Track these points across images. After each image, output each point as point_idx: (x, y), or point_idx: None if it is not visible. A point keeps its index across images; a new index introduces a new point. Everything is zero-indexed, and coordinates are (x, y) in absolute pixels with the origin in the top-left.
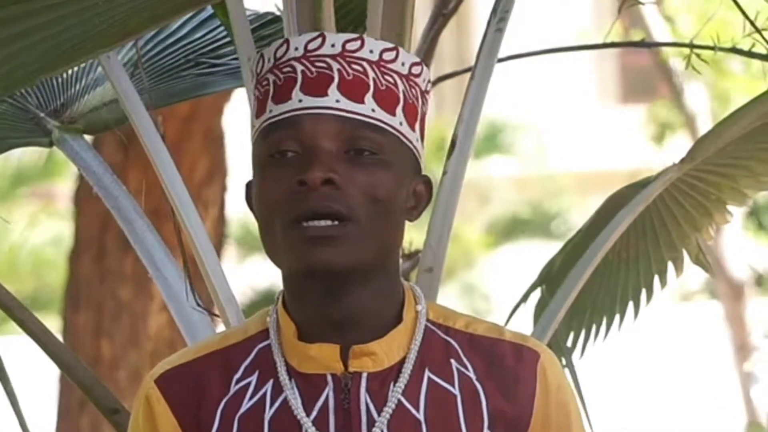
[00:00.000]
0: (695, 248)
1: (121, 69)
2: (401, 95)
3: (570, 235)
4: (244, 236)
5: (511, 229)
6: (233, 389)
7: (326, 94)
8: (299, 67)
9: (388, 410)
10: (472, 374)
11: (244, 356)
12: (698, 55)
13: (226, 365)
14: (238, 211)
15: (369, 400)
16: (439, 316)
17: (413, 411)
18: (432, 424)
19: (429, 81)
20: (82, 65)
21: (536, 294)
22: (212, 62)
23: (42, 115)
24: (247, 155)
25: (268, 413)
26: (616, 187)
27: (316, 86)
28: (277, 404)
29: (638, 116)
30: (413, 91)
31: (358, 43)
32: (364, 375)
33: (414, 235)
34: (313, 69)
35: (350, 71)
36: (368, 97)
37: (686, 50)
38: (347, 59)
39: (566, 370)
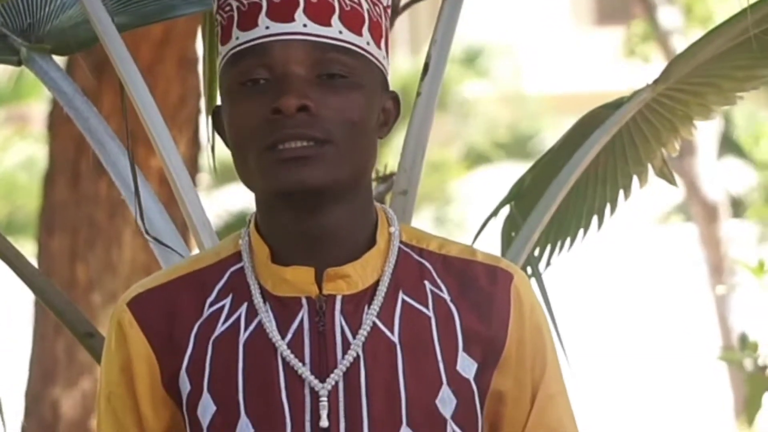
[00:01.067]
0: (660, 162)
1: None
2: (366, 14)
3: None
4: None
5: (486, 152)
6: (207, 312)
7: (293, 19)
8: None
9: (363, 333)
10: (446, 295)
11: (217, 279)
12: None
13: (199, 288)
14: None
15: (344, 323)
16: (412, 237)
17: (388, 333)
18: (407, 346)
19: None
20: None
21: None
22: None
23: (9, 34)
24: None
25: (243, 336)
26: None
27: (283, 12)
28: (251, 327)
29: (613, 38)
30: (377, 9)
31: None
32: (339, 298)
33: (389, 158)
34: None
35: None
36: (335, 19)
37: None
38: None
39: (536, 286)
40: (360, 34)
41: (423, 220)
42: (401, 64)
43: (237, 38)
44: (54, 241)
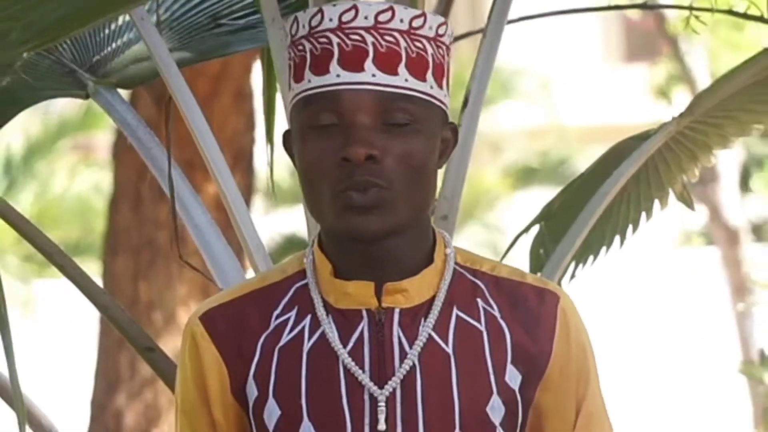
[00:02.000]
0: (680, 187)
1: (153, 29)
2: (430, 59)
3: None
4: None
5: (523, 176)
6: (273, 324)
7: (363, 69)
8: (335, 40)
9: (419, 343)
10: (497, 313)
11: (283, 294)
12: (697, 17)
13: (266, 303)
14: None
15: (401, 334)
16: (467, 260)
17: (442, 345)
18: (460, 357)
19: (452, 34)
20: (118, 25)
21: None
22: (234, 23)
23: (78, 69)
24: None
25: (307, 346)
26: (619, 140)
27: (353, 60)
28: (315, 337)
29: (641, 74)
30: (440, 51)
31: (390, 13)
32: (397, 311)
33: None
34: (349, 42)
35: (384, 43)
36: (401, 67)
37: (686, 12)
38: (380, 31)
39: None
40: (424, 79)
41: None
42: None
43: (309, 81)
44: (118, 261)
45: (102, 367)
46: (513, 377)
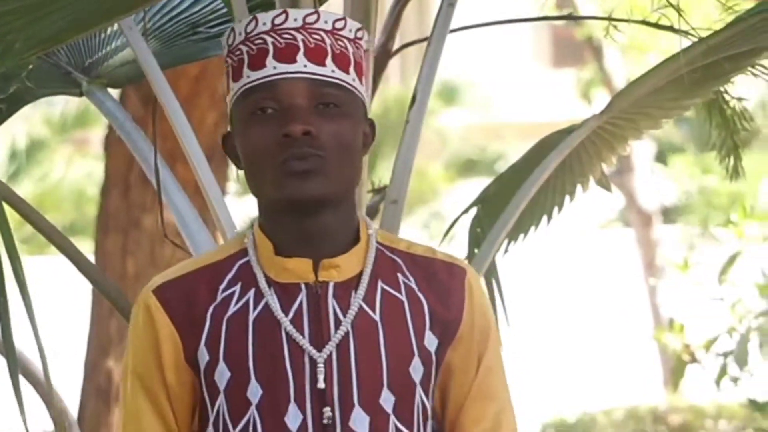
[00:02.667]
0: (599, 174)
1: (139, 36)
2: (351, 57)
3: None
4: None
5: (463, 169)
6: (219, 297)
7: (296, 61)
8: (269, 39)
9: (351, 312)
10: (414, 285)
11: (227, 271)
12: (615, 27)
13: (212, 279)
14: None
15: (335, 304)
16: (386, 239)
17: (371, 313)
18: (386, 324)
19: (369, 40)
20: (108, 33)
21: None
22: (210, 31)
23: (73, 71)
24: None
25: (252, 315)
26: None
27: (287, 55)
28: (259, 308)
29: (568, 78)
30: (359, 51)
31: (315, 16)
32: (331, 284)
33: (382, 173)
34: (282, 41)
35: (312, 40)
36: (328, 60)
37: (606, 23)
38: (308, 30)
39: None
40: (347, 72)
41: (410, 224)
42: (393, 96)
43: (248, 77)
44: (108, 240)
45: (94, 332)
46: (430, 341)
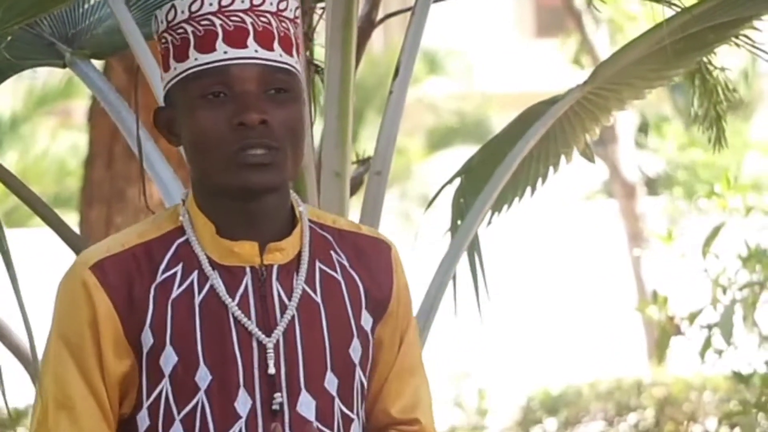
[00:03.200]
0: (583, 145)
1: (123, 6)
2: (293, 37)
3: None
4: None
5: (445, 138)
6: (160, 278)
7: (246, 46)
8: (217, 21)
9: (296, 296)
10: (346, 263)
11: (165, 250)
12: None
13: (150, 257)
14: None
15: (280, 288)
16: (313, 215)
17: (313, 295)
18: (327, 305)
19: (298, 8)
20: (92, 4)
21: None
22: None
23: (57, 42)
24: None
25: (198, 298)
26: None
27: (237, 39)
28: (204, 291)
29: (551, 48)
30: (297, 30)
31: None
32: (275, 267)
33: (366, 144)
34: (230, 23)
35: (260, 23)
36: (276, 44)
37: None
38: (256, 13)
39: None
40: (291, 55)
41: (392, 196)
42: (377, 67)
43: (196, 59)
44: (93, 211)
45: None
46: (366, 320)
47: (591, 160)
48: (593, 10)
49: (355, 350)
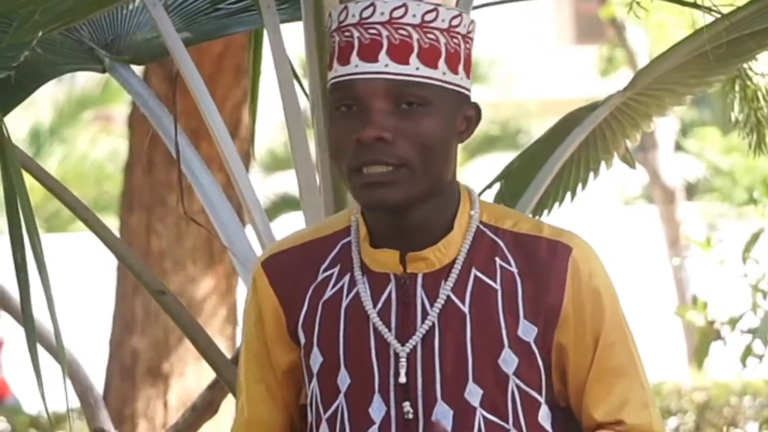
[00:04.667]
0: (623, 151)
1: (163, 12)
2: (443, 48)
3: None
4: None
5: (484, 143)
6: (320, 277)
7: (377, 60)
8: (356, 33)
9: (438, 304)
10: (513, 269)
11: (331, 249)
12: (638, 3)
13: (317, 255)
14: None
15: (424, 295)
16: (491, 217)
17: (459, 305)
18: (475, 316)
19: (472, 22)
20: (130, 9)
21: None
22: (230, 8)
23: (96, 47)
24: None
25: (344, 302)
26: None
27: (369, 52)
28: (351, 295)
29: (590, 54)
30: (454, 40)
31: (403, 10)
32: (420, 275)
33: None
34: (366, 35)
35: (397, 36)
36: (413, 57)
37: None
38: (394, 26)
39: None
40: (436, 67)
41: None
42: None
43: (336, 71)
44: (133, 217)
45: (119, 310)
46: (526, 331)
47: (632, 165)
48: (633, 17)
49: (507, 361)
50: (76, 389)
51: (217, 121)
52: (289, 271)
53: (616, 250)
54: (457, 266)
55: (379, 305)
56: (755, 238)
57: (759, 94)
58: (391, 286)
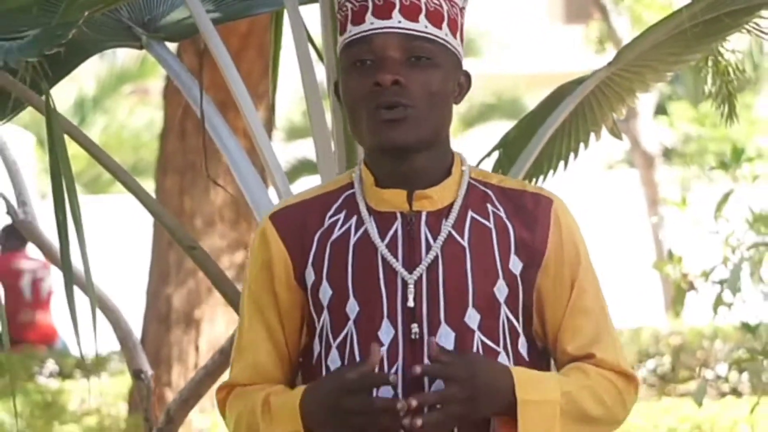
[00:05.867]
0: (610, 123)
1: None
2: (445, 14)
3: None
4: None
5: (482, 113)
6: (326, 223)
7: (391, 17)
8: None
9: (441, 238)
10: (503, 214)
11: (336, 200)
12: None
13: (322, 206)
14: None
15: (427, 231)
16: (479, 174)
17: (459, 239)
18: (473, 249)
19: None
20: None
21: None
22: None
23: (134, 26)
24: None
25: (353, 239)
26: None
27: (383, 11)
28: (359, 233)
29: (578, 33)
30: (454, 9)
31: None
32: (424, 213)
33: None
34: None
35: None
36: (422, 17)
37: None
38: None
39: None
40: (440, 28)
41: None
42: None
43: (350, 31)
44: (167, 180)
45: (155, 264)
46: (515, 265)
47: (618, 137)
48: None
49: (501, 290)
50: (117, 335)
51: (243, 93)
52: (296, 222)
53: (601, 209)
54: (456, 207)
55: (387, 240)
56: (725, 198)
57: (729, 69)
58: (398, 224)
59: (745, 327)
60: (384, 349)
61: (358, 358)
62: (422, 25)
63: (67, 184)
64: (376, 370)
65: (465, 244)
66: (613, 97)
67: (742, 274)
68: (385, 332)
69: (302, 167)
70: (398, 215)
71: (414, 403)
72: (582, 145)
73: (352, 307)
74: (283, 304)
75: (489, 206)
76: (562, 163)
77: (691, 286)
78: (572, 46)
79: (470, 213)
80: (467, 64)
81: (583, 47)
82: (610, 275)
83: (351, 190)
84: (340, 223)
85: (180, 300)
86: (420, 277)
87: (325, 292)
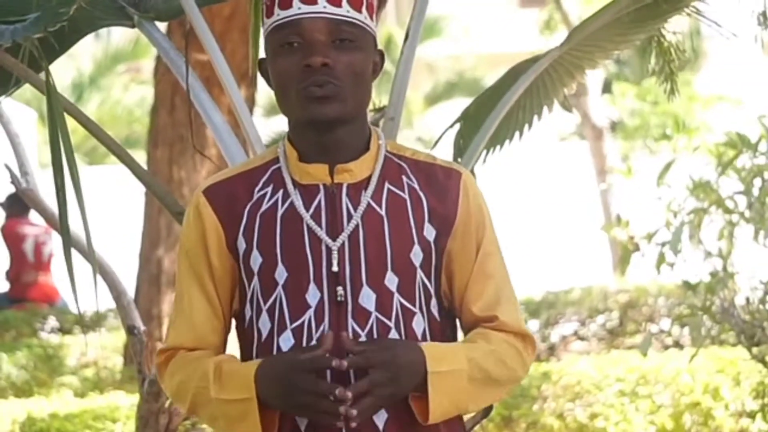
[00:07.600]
0: (562, 97)
1: None
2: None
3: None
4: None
5: (445, 91)
6: (255, 197)
7: (316, 3)
8: None
9: (361, 208)
10: (416, 185)
11: (263, 174)
12: None
13: (250, 181)
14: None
15: (348, 202)
16: (394, 148)
17: (378, 209)
18: (391, 218)
19: None
20: None
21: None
22: None
23: (126, 6)
24: None
25: (280, 211)
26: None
27: None
28: (286, 205)
29: (533, 15)
30: None
31: None
32: (345, 185)
33: (382, 96)
34: None
35: None
36: (344, 2)
37: None
38: None
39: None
40: (360, 11)
41: (398, 139)
42: (389, 31)
43: (278, 15)
44: (158, 151)
45: (147, 228)
46: (429, 232)
47: (569, 110)
48: None
49: (416, 255)
50: (112, 294)
51: (226, 72)
52: (227, 196)
53: (554, 178)
54: (374, 179)
55: (311, 210)
56: (667, 167)
57: (671, 49)
58: (320, 196)
59: (686, 285)
60: (311, 311)
61: (287, 321)
62: (345, 10)
63: (68, 156)
64: (305, 329)
65: (383, 213)
66: (564, 74)
67: (682, 236)
68: (312, 295)
69: (280, 138)
70: (321, 187)
71: (349, 395)
72: (536, 117)
73: (281, 273)
74: (216, 272)
75: (404, 178)
76: (518, 135)
77: (637, 248)
78: (529, 28)
79: (387, 185)
80: (433, 45)
81: (537, 29)
82: (562, 237)
83: (276, 165)
84: (268, 196)
85: (170, 262)
86: (343, 244)
87: (256, 260)
